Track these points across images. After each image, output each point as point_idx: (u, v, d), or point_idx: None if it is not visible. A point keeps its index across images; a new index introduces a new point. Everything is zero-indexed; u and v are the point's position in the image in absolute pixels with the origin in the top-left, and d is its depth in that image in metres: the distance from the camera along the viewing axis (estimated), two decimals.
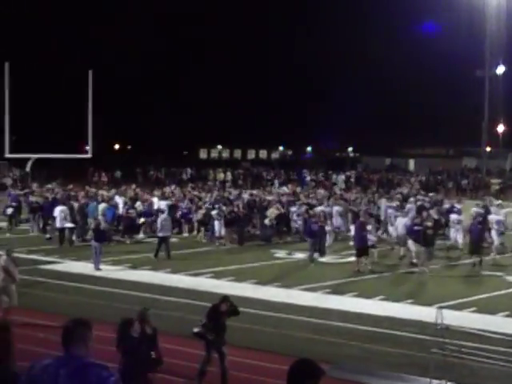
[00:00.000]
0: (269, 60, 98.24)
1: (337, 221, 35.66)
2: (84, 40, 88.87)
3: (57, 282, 24.20)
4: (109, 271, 26.34)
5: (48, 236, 34.29)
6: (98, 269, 26.35)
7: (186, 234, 36.49)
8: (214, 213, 34.19)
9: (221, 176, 71.13)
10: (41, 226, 35.71)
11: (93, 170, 69.58)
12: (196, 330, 14.65)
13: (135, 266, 27.64)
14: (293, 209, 36.74)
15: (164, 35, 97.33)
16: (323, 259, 29.71)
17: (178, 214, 36.92)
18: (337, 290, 23.68)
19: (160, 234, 30.07)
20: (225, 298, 14.95)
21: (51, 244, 32.83)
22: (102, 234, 27.82)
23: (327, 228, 31.87)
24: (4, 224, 37.54)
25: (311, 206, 36.02)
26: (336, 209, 35.92)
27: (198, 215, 35.87)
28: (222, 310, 14.61)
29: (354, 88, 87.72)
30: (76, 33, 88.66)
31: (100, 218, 32.34)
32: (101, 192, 39.84)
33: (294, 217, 36.19)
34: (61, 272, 26.12)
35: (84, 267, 27.02)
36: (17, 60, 52.00)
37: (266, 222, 35.09)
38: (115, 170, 71.55)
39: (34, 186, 44.32)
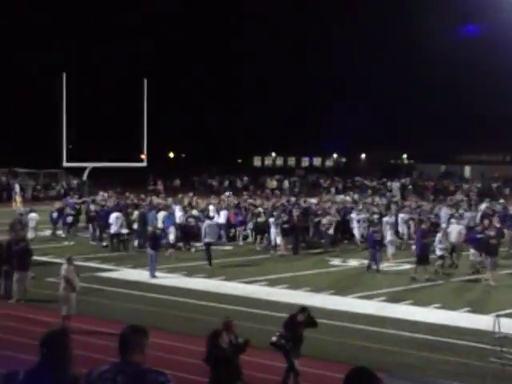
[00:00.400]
0: (320, 67, 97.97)
1: (403, 229, 35.36)
2: (138, 49, 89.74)
3: (113, 289, 24.44)
4: (164, 279, 26.51)
5: (105, 244, 34.66)
6: (153, 276, 26.55)
7: (241, 243, 36.52)
8: (271, 221, 34.06)
9: (273, 184, 71.16)
10: (97, 234, 36.08)
11: (153, 177, 70.19)
12: (273, 339, 14.57)
13: (190, 273, 27.77)
14: (353, 215, 36.30)
15: (215, 44, 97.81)
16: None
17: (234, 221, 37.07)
18: (392, 298, 23.51)
19: (206, 240, 30.32)
20: (303, 309, 14.90)
21: (108, 252, 33.19)
22: (157, 241, 28.04)
23: (389, 238, 31.44)
24: (60, 232, 38.10)
25: (372, 214, 35.89)
26: (401, 216, 35.64)
27: (253, 223, 36.01)
28: (300, 320, 14.56)
29: (408, 94, 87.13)
30: (130, 42, 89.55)
31: (160, 225, 32.91)
32: (157, 200, 40.16)
33: (355, 224, 35.71)
34: (117, 279, 26.37)
35: (140, 275, 27.24)
36: (73, 70, 52.71)
37: (323, 229, 34.93)
38: (171, 178, 72.05)
39: (101, 194, 44.34)
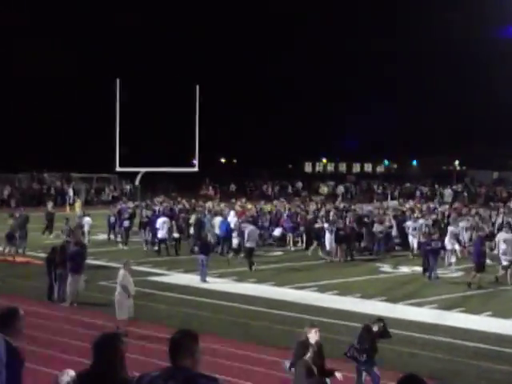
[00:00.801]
0: (369, 75, 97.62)
1: (464, 237, 34.97)
2: (191, 55, 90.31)
3: (164, 293, 24.61)
4: (214, 284, 26.65)
5: (156, 248, 34.94)
6: (204, 281, 26.71)
7: (292, 248, 36.55)
8: (326, 226, 33.92)
9: (325, 189, 71.04)
10: (149, 238, 36.36)
11: (209, 182, 70.64)
12: (347, 351, 14.29)
13: (240, 278, 27.87)
14: (408, 223, 35.76)
15: (266, 50, 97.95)
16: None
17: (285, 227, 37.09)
18: (444, 306, 23.33)
19: (247, 245, 30.50)
20: (378, 320, 14.72)
21: (159, 256, 33.45)
22: (207, 246, 28.20)
23: (450, 246, 31.08)
24: (112, 236, 38.51)
25: (434, 222, 35.58)
26: (462, 225, 35.17)
27: (306, 229, 36.08)
28: (375, 331, 14.36)
29: (459, 99, 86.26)
30: (182, 48, 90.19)
31: (217, 231, 33.36)
32: (208, 205, 40.43)
33: (411, 231, 34.98)
34: (168, 284, 26.56)
35: (190, 279, 27.41)
36: (126, 76, 53.28)
37: (378, 236, 34.69)
38: (224, 183, 72.40)
39: (158, 198, 44.61)
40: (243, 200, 44.22)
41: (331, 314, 21.77)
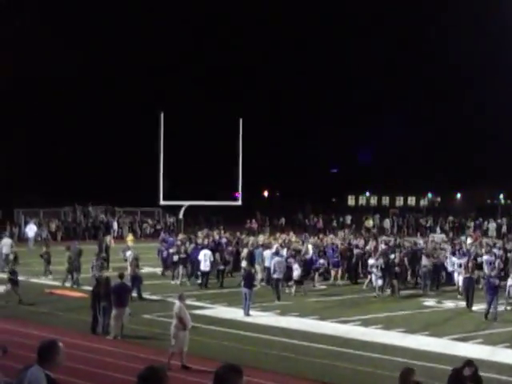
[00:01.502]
0: (408, 109, 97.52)
1: None
2: (234, 88, 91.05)
3: (207, 326, 24.61)
4: (257, 317, 26.61)
5: (199, 281, 34.98)
6: (247, 314, 26.69)
7: (339, 282, 36.31)
8: (371, 262, 33.47)
9: (370, 223, 70.69)
10: (189, 271, 36.31)
11: (260, 215, 70.85)
12: None
13: (283, 312, 27.81)
14: (454, 258, 34.65)
15: (308, 81, 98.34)
16: (475, 308, 28.93)
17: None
18: (488, 340, 23.04)
19: (275, 276, 30.80)
20: (469, 362, 13.92)
21: (203, 289, 33.45)
22: (251, 280, 28.19)
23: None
24: (158, 270, 38.69)
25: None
26: None
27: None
28: (466, 374, 13.62)
29: (503, 131, 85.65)
30: (225, 81, 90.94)
31: (267, 264, 34.01)
32: (259, 238, 40.28)
33: (456, 267, 33.74)
34: (211, 317, 26.56)
35: (234, 313, 27.40)
36: (170, 109, 53.84)
37: (424, 270, 34.01)
38: (273, 216, 72.52)
39: (202, 232, 44.45)
40: (291, 233, 44.08)
41: (375, 348, 21.67)
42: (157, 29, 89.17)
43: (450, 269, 34.75)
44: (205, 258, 33.86)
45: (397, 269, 32.69)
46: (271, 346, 21.81)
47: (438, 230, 59.90)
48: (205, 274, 34.26)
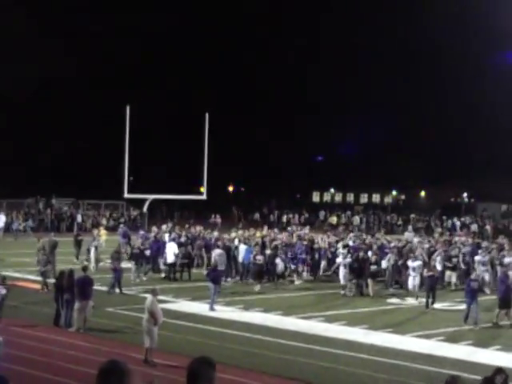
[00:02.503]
0: (383, 110, 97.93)
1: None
2: (201, 83, 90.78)
3: (172, 321, 24.46)
4: (221, 312, 26.56)
5: (164, 275, 34.89)
6: (212, 309, 26.62)
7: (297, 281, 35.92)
8: (339, 261, 33.05)
9: (334, 219, 70.97)
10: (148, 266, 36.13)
11: (236, 210, 70.91)
12: None
13: (247, 307, 27.80)
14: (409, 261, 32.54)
15: (279, 78, 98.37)
16: (437, 306, 29.13)
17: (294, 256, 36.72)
18: (451, 339, 23.20)
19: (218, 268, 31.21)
20: (499, 370, 13.62)
21: (166, 283, 33.30)
22: (217, 275, 28.07)
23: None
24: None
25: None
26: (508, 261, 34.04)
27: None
28: (498, 383, 13.37)
29: (466, 131, 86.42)
30: (193, 76, 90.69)
31: (240, 259, 34.52)
32: (238, 233, 39.79)
33: (410, 271, 31.65)
34: (176, 311, 26.42)
35: (198, 307, 27.33)
36: (136, 103, 53.55)
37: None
38: (229, 211, 72.45)
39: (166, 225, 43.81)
40: (265, 229, 44.17)
41: (339, 344, 21.75)
42: (124, 24, 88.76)
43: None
44: (170, 251, 34.03)
45: (373, 267, 31.99)
46: (234, 341, 21.79)
47: (411, 228, 60.16)
48: (171, 266, 34.42)
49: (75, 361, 18.72)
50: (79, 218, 61.28)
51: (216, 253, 33.23)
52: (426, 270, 29.83)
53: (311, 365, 19.36)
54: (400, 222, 70.82)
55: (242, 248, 35.19)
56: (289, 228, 50.51)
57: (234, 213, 70.90)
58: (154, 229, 39.91)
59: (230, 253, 34.96)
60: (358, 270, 31.96)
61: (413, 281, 30.60)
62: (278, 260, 34.31)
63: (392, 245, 36.85)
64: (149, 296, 19.92)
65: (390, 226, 70.17)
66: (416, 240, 40.14)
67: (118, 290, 30.15)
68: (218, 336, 22.52)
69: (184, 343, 21.12)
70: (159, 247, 35.96)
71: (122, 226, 48.68)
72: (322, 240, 39.03)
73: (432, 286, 29.13)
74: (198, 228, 41.94)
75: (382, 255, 34.82)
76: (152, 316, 19.12)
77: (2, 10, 72.80)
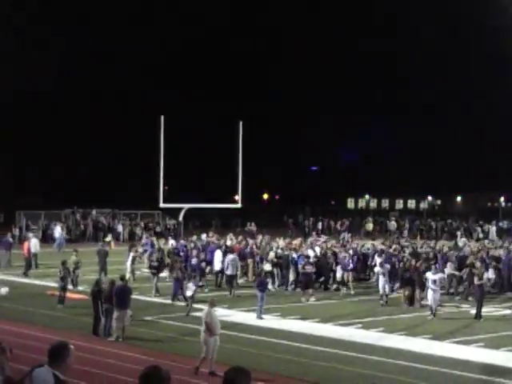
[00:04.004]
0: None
1: None
2: (236, 92, 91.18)
3: None
4: (258, 320, 26.51)
5: (201, 283, 34.90)
6: (259, 317, 26.59)
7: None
8: (377, 270, 32.41)
9: (369, 226, 70.61)
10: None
11: (286, 219, 71.21)
12: None
13: (284, 315, 27.78)
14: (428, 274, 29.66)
15: (310, 86, 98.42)
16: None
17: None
18: (490, 345, 23.00)
19: (228, 273, 32.14)
20: None
21: (205, 293, 33.26)
22: (264, 282, 28.08)
23: None
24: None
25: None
26: None
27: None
28: None
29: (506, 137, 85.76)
30: (226, 85, 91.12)
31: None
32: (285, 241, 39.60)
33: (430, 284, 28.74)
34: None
35: (237, 315, 27.35)
36: (171, 113, 53.88)
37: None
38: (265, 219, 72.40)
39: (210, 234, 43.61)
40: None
41: (378, 351, 21.69)
42: (157, 33, 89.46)
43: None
44: (217, 259, 34.42)
45: (407, 275, 30.89)
46: (272, 349, 21.80)
47: (459, 234, 59.61)
48: (217, 274, 34.73)
49: (115, 369, 18.87)
50: (120, 228, 61.68)
51: (229, 258, 33.32)
52: (476, 279, 28.67)
53: (350, 372, 19.34)
54: (435, 227, 70.24)
55: (293, 257, 34.87)
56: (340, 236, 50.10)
57: (286, 222, 71.31)
58: (194, 238, 40.16)
59: (282, 262, 34.78)
60: (409, 279, 30.48)
61: (432, 295, 27.69)
62: (338, 267, 34.00)
63: (451, 252, 36.38)
64: (205, 307, 19.82)
65: (425, 231, 69.66)
66: (468, 249, 39.00)
67: (181, 298, 29.70)
68: (255, 344, 22.54)
69: (221, 351, 21.14)
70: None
71: (146, 235, 48.92)
72: (372, 246, 38.81)
73: (482, 295, 28.22)
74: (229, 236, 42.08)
75: (441, 263, 34.25)
76: (207, 327, 18.93)
77: None
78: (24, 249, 39.22)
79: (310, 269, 32.40)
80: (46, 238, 55.53)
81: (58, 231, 53.66)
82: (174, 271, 31.42)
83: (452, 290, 33.27)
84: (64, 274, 28.90)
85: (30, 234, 45.73)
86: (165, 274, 36.71)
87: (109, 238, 46.30)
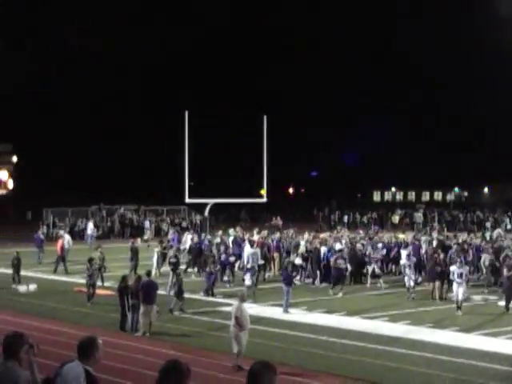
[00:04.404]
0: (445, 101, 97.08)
1: None
2: (258, 86, 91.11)
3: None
4: (285, 314, 26.52)
5: (226, 278, 34.91)
6: (286, 311, 26.62)
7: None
8: (404, 263, 32.00)
9: (396, 218, 70.34)
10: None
11: (317, 212, 71.04)
12: None
13: (310, 309, 27.78)
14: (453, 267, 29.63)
15: (333, 79, 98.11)
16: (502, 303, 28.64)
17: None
18: None
19: (248, 266, 31.75)
20: None
21: (229, 287, 33.34)
22: (290, 276, 27.98)
23: None
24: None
25: None
26: None
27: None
28: None
29: None
30: (249, 80, 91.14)
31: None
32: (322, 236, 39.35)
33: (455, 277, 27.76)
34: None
35: (261, 310, 27.35)
36: (195, 108, 53.95)
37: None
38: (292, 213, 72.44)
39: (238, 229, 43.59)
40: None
41: (405, 344, 21.63)
42: (179, 28, 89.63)
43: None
44: (253, 257, 33.89)
45: (438, 268, 30.13)
46: (299, 343, 21.80)
47: (489, 225, 59.25)
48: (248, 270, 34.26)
49: (142, 364, 18.94)
50: (147, 224, 61.94)
51: (249, 251, 33.36)
52: (505, 270, 28.20)
53: (376, 365, 19.30)
54: (463, 219, 69.83)
55: (323, 250, 34.73)
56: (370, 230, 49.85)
57: (316, 215, 71.26)
58: (219, 233, 40.15)
59: (312, 256, 34.62)
60: (441, 273, 29.75)
61: (458, 289, 26.96)
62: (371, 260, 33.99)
63: (488, 245, 36.01)
64: (235, 301, 19.77)
65: (452, 223, 69.24)
66: (507, 241, 37.88)
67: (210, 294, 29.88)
68: (282, 338, 22.54)
69: (248, 346, 21.15)
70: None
71: (172, 231, 48.93)
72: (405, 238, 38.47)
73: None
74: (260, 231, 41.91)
75: (478, 255, 34.22)
76: (237, 322, 18.85)
77: None
78: (58, 246, 39.38)
79: (342, 263, 32.10)
80: (73, 235, 55.86)
81: (90, 228, 54.09)
82: (207, 266, 31.40)
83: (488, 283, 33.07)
84: (92, 272, 29.00)
85: (62, 232, 46.13)
86: (190, 269, 37.14)
87: (147, 236, 45.97)
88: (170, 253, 34.86)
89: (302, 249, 35.31)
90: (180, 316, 25.85)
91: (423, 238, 38.20)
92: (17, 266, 32.85)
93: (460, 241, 37.77)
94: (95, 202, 65.17)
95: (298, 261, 33.92)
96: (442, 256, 30.93)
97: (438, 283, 29.88)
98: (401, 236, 40.94)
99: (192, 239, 39.37)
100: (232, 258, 34.93)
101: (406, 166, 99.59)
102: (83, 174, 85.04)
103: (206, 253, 35.61)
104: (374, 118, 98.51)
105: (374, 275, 33.80)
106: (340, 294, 31.01)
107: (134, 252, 36.93)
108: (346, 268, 32.85)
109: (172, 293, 27.90)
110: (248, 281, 29.23)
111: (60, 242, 39.59)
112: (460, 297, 26.73)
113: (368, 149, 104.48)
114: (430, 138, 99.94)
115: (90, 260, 29.43)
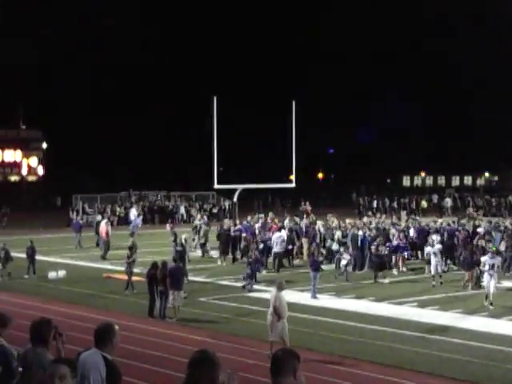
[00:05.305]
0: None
1: None
2: (286, 71, 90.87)
3: (263, 309, 24.54)
4: (313, 299, 26.47)
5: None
6: (314, 297, 26.61)
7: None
8: (428, 250, 30.79)
9: (424, 204, 69.91)
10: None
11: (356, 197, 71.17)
12: None
13: (338, 294, 27.71)
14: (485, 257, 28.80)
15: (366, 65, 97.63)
16: None
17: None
18: None
19: (275, 250, 32.60)
20: None
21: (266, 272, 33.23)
22: (317, 262, 27.78)
23: None
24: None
25: None
26: None
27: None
28: None
29: None
30: (278, 63, 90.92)
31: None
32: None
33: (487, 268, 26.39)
34: (267, 300, 26.43)
35: (290, 296, 27.28)
36: (223, 93, 53.81)
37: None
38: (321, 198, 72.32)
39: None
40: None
41: (432, 329, 21.52)
42: (206, 13, 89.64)
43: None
44: (277, 241, 33.90)
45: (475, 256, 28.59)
46: (328, 328, 21.77)
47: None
48: (277, 256, 34.10)
49: (170, 350, 19.00)
50: (182, 210, 62.20)
51: (276, 235, 33.73)
52: None
53: (405, 350, 19.22)
54: (495, 204, 69.17)
55: (360, 235, 34.30)
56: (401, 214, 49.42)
57: (355, 200, 71.03)
58: (250, 218, 40.23)
59: (351, 242, 33.96)
60: (472, 260, 28.53)
61: (489, 281, 25.35)
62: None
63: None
64: (273, 289, 19.55)
65: (483, 208, 68.68)
66: None
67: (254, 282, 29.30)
68: (310, 323, 22.52)
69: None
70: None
71: (204, 217, 48.76)
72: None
73: None
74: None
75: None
76: (275, 311, 18.57)
77: None
78: (103, 232, 39.50)
79: (383, 250, 31.82)
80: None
81: (133, 213, 53.73)
82: (250, 252, 30.62)
83: None
84: (133, 259, 28.68)
85: (99, 217, 46.52)
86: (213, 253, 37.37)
87: (197, 221, 45.41)
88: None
89: (338, 234, 35.17)
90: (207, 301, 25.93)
91: (463, 223, 37.78)
92: (31, 255, 32.08)
93: (508, 224, 36.88)
94: (124, 188, 65.50)
95: (335, 246, 33.91)
96: (482, 242, 30.31)
97: (473, 272, 28.59)
98: (439, 221, 40.11)
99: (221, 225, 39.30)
100: (262, 245, 34.71)
101: (435, 150, 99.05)
102: (110, 160, 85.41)
103: (248, 238, 35.42)
104: (401, 105, 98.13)
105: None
106: (386, 281, 30.68)
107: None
108: (386, 254, 32.67)
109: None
110: (248, 270, 28.69)
111: (105, 227, 39.69)
112: (491, 289, 25.15)
113: (394, 131, 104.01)
114: (461, 123, 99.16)
115: (131, 248, 28.94)
